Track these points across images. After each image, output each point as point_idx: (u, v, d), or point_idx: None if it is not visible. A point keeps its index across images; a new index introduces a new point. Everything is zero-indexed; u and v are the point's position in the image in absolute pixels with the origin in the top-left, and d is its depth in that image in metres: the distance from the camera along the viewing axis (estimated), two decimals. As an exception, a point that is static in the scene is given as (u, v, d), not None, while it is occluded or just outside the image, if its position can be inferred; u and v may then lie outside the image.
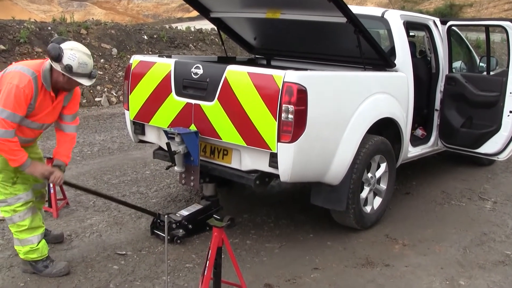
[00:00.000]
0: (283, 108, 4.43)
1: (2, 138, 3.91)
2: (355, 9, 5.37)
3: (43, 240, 4.47)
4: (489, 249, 5.29)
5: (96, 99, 12.29)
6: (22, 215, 4.31)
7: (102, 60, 13.34)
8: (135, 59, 5.67)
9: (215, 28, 6.84)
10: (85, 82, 4.15)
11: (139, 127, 5.77)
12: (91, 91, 12.35)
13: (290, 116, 4.42)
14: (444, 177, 7.59)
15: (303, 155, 4.62)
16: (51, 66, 4.10)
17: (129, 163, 7.66)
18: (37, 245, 4.38)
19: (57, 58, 3.98)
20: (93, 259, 4.73)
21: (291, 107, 4.41)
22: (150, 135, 5.74)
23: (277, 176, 4.71)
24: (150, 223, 5.23)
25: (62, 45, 4.03)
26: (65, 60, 3.99)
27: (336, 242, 5.29)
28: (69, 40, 4.24)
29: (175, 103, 5.20)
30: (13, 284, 4.29)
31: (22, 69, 4.05)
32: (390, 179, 5.80)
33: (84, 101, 11.90)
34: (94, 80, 4.22)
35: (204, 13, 6.41)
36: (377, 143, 5.40)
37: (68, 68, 4.00)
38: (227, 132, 4.83)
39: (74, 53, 4.02)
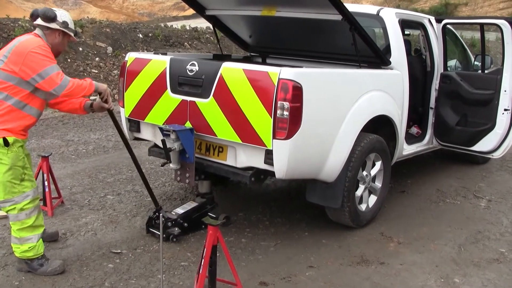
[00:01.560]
0: (278, 105, 4.43)
1: (68, 83, 4.20)
2: (350, 7, 5.39)
3: (40, 240, 4.46)
4: (483, 247, 5.30)
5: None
6: (28, 213, 4.31)
7: (97, 59, 13.31)
8: (130, 56, 5.66)
9: (210, 26, 6.84)
10: (75, 37, 4.63)
11: (134, 124, 5.76)
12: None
13: (286, 113, 4.42)
14: (439, 176, 7.60)
15: (299, 152, 4.62)
16: (42, 32, 4.38)
17: (124, 161, 7.64)
18: (34, 245, 4.37)
19: (55, 17, 4.32)
20: (88, 257, 4.72)
21: (286, 104, 4.41)
22: (145, 133, 5.73)
23: (273, 173, 4.71)
24: (146, 222, 5.23)
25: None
26: (61, 18, 4.36)
27: (331, 240, 5.29)
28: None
29: (170, 100, 5.19)
30: (8, 283, 4.28)
31: (27, 36, 4.32)
32: (385, 177, 5.81)
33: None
34: (77, 38, 4.55)
35: (200, 10, 6.40)
36: (372, 141, 5.40)
37: (65, 24, 4.38)
38: (223, 129, 4.83)
39: (63, 12, 4.45)
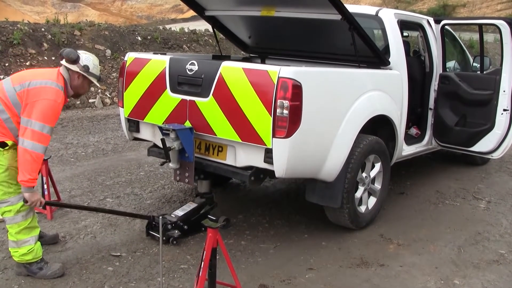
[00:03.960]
0: (278, 103, 4.43)
1: (40, 154, 4.14)
2: (349, 7, 5.39)
3: (38, 242, 4.45)
4: (483, 249, 5.30)
5: (90, 100, 12.26)
6: (25, 215, 4.32)
7: (95, 62, 13.30)
8: (129, 56, 5.66)
9: (209, 29, 6.86)
10: (97, 83, 4.63)
11: (133, 125, 5.76)
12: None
13: (285, 111, 4.42)
14: (439, 177, 7.60)
15: (298, 150, 4.62)
16: (67, 71, 4.43)
17: (124, 164, 7.65)
18: (32, 248, 4.36)
19: (76, 60, 4.36)
20: (88, 260, 4.71)
21: (286, 103, 4.41)
22: (145, 132, 5.73)
23: (272, 172, 4.70)
24: (146, 224, 5.22)
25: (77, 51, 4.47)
26: (82, 62, 4.40)
27: (331, 242, 5.29)
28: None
29: (170, 99, 5.19)
30: (7, 286, 4.26)
31: (52, 84, 4.28)
32: (385, 179, 5.80)
33: (78, 102, 11.88)
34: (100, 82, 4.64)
35: (199, 11, 6.40)
36: (372, 142, 5.40)
37: (86, 68, 4.41)
38: (222, 128, 4.83)
39: (88, 56, 4.49)
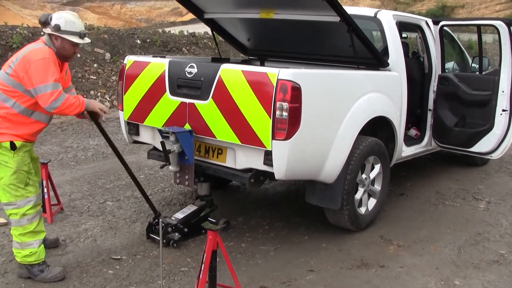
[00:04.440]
0: (277, 105, 4.44)
1: (63, 102, 4.20)
2: (348, 9, 5.40)
3: (42, 245, 4.46)
4: (483, 249, 5.30)
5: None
6: (30, 218, 4.32)
7: (95, 65, 13.31)
8: (129, 59, 5.67)
9: (208, 32, 6.87)
10: (76, 39, 4.32)
11: (133, 128, 5.77)
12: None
13: (285, 113, 4.43)
14: (438, 178, 7.60)
15: (298, 152, 4.63)
16: (48, 37, 4.34)
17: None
18: (36, 250, 4.38)
19: (46, 21, 4.26)
20: (88, 264, 4.72)
21: (285, 105, 4.42)
22: (145, 135, 5.73)
23: (272, 174, 4.71)
24: (146, 227, 5.22)
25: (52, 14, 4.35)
26: (54, 21, 4.25)
27: (331, 244, 5.29)
28: None
29: (169, 102, 5.20)
30: (8, 290, 4.28)
31: (37, 45, 4.31)
32: (385, 180, 5.80)
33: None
34: (85, 39, 4.39)
35: (198, 14, 6.41)
36: (371, 144, 5.40)
37: (57, 27, 4.23)
38: (222, 131, 4.84)
39: (61, 14, 4.30)
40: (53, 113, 4.37)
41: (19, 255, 4.37)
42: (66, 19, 4.26)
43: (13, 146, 4.19)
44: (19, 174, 4.24)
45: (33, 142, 4.49)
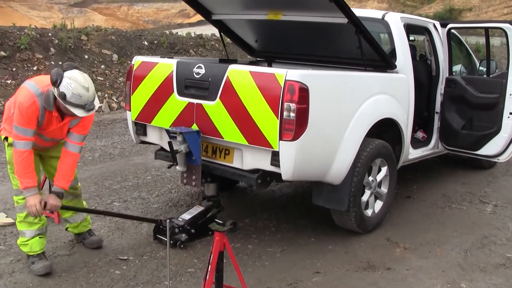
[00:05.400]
0: (285, 106, 4.45)
1: (17, 149, 4.19)
2: (355, 11, 5.40)
3: (36, 238, 4.55)
4: (490, 252, 5.29)
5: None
6: (21, 208, 4.51)
7: (102, 66, 13.36)
8: (137, 60, 5.69)
9: (216, 33, 6.88)
10: (79, 113, 4.16)
11: (140, 128, 5.79)
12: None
13: (292, 114, 4.43)
14: (445, 181, 7.59)
15: (305, 153, 4.63)
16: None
17: (130, 168, 7.67)
18: (27, 240, 4.53)
19: (55, 83, 4.07)
20: (95, 264, 4.73)
21: (292, 105, 4.42)
22: (152, 136, 5.75)
23: (279, 175, 4.71)
24: (153, 228, 5.23)
25: (65, 72, 4.12)
26: (61, 87, 4.06)
27: (338, 246, 5.29)
28: (78, 68, 4.28)
29: (177, 103, 5.22)
30: (15, 290, 4.30)
31: (30, 87, 4.26)
32: (391, 182, 5.80)
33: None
34: (90, 112, 4.23)
35: (206, 15, 6.42)
36: (378, 146, 5.40)
37: (62, 96, 4.07)
38: (229, 131, 4.85)
39: (71, 82, 4.06)
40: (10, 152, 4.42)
41: (18, 241, 4.62)
42: (74, 91, 4.06)
43: (6, 139, 4.44)
44: (11, 165, 4.43)
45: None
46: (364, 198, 5.42)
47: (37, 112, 4.19)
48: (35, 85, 4.24)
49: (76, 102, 4.09)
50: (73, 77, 4.09)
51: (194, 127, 5.07)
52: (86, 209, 5.16)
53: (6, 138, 4.47)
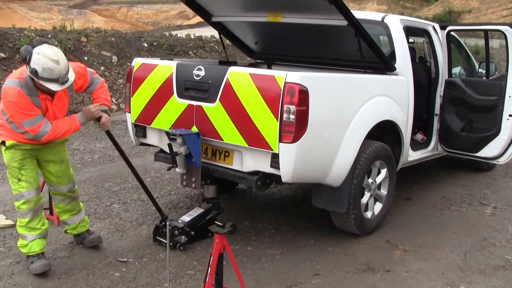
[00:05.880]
0: (284, 108, 4.45)
1: (47, 134, 4.29)
2: (355, 13, 5.41)
3: (37, 240, 4.56)
4: (489, 254, 5.29)
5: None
6: (23, 214, 4.49)
7: (102, 68, 13.36)
8: (137, 62, 5.69)
9: (215, 35, 6.89)
10: (53, 87, 4.14)
11: (140, 130, 5.80)
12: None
13: (292, 116, 4.44)
14: (444, 183, 7.59)
15: (305, 155, 4.63)
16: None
17: (130, 170, 7.65)
18: (27, 243, 4.54)
19: (25, 60, 4.05)
20: (95, 266, 4.74)
21: (292, 108, 4.43)
22: (152, 138, 5.76)
23: (279, 177, 4.72)
24: (153, 230, 5.24)
25: (35, 48, 4.07)
26: (32, 64, 4.03)
27: (337, 248, 5.29)
28: (48, 42, 4.22)
29: (176, 105, 5.22)
30: (15, 292, 4.30)
31: (7, 83, 4.23)
32: (391, 184, 5.81)
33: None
34: (66, 85, 4.19)
35: (206, 17, 6.43)
36: (378, 148, 5.41)
37: (34, 72, 4.04)
38: (229, 133, 4.85)
39: (40, 57, 4.02)
40: (44, 141, 4.42)
41: (18, 243, 4.61)
42: (44, 65, 4.01)
43: (3, 143, 4.38)
44: (10, 169, 4.45)
45: (31, 144, 4.49)
46: (364, 200, 5.42)
47: (29, 99, 4.18)
48: (10, 79, 4.24)
49: (48, 77, 4.06)
50: (41, 52, 4.03)
51: (194, 129, 5.08)
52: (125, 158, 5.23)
53: (3, 143, 4.40)
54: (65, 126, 4.42)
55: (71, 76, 4.25)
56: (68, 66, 4.22)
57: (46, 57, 4.03)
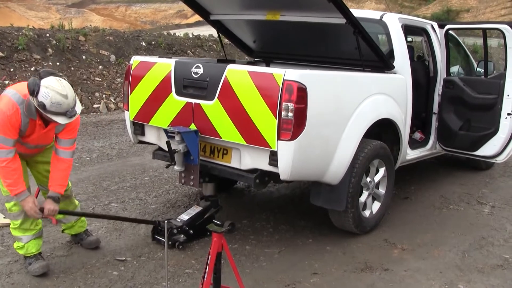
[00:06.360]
0: (283, 106, 4.45)
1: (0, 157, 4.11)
2: (353, 12, 5.41)
3: (33, 241, 4.56)
4: (487, 253, 5.29)
5: (95, 105, 12.29)
6: (15, 216, 4.47)
7: (100, 67, 13.35)
8: (135, 60, 5.69)
9: (213, 34, 6.88)
10: (61, 120, 4.08)
11: (139, 128, 5.79)
12: (90, 97, 12.35)
13: (290, 114, 4.44)
14: (443, 182, 7.59)
15: (303, 153, 4.63)
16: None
17: (128, 169, 7.66)
18: (23, 244, 4.53)
19: (32, 93, 3.96)
20: (93, 265, 4.73)
21: (291, 105, 4.42)
22: (150, 136, 5.75)
23: (277, 175, 4.71)
24: (151, 229, 5.23)
25: (42, 81, 4.00)
26: (40, 97, 3.95)
27: (336, 247, 5.29)
28: (55, 74, 4.15)
29: (175, 102, 5.21)
30: (13, 291, 4.29)
31: (12, 95, 4.14)
32: (389, 183, 5.80)
33: (83, 107, 11.89)
34: (73, 118, 4.13)
35: (204, 15, 6.43)
36: (376, 147, 5.40)
37: (42, 106, 3.97)
38: (227, 131, 4.85)
39: (48, 91, 3.95)
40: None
41: (15, 245, 4.59)
42: (52, 100, 3.94)
43: None
44: None
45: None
46: (362, 199, 5.42)
47: (20, 121, 4.11)
48: (16, 93, 4.14)
49: (56, 111, 4.00)
50: (50, 86, 3.97)
51: (192, 126, 5.07)
52: (84, 213, 5.15)
53: None
54: (11, 178, 4.19)
55: (79, 109, 4.20)
56: (76, 98, 4.16)
57: (54, 91, 3.96)
